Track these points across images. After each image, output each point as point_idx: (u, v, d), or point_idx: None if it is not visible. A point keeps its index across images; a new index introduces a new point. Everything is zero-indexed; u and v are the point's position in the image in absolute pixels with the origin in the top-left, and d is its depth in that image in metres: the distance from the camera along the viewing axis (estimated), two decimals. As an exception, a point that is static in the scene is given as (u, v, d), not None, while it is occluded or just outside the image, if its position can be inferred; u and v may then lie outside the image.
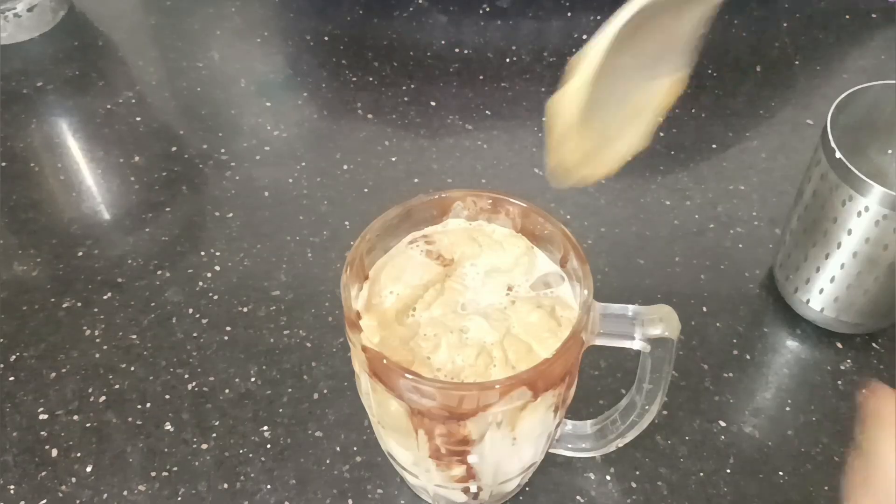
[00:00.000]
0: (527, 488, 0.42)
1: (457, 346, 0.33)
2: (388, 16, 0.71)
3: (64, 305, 0.50)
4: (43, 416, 0.45)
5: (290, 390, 0.46)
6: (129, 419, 0.44)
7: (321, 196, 0.56)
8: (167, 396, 0.45)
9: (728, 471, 0.42)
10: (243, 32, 0.71)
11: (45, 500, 0.41)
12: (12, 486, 0.42)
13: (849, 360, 0.47)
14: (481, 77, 0.65)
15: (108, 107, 0.63)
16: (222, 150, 0.60)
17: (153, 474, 0.42)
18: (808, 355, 0.48)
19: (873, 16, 0.70)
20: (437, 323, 0.34)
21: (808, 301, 0.47)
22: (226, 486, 0.42)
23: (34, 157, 0.60)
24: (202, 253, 0.53)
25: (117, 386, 0.46)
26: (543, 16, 0.70)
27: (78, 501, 0.41)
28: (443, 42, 0.68)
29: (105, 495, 0.41)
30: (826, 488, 0.42)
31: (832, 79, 0.65)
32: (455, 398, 0.30)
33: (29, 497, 0.41)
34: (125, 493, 0.41)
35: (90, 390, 0.46)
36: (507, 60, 0.66)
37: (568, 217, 0.54)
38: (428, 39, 0.69)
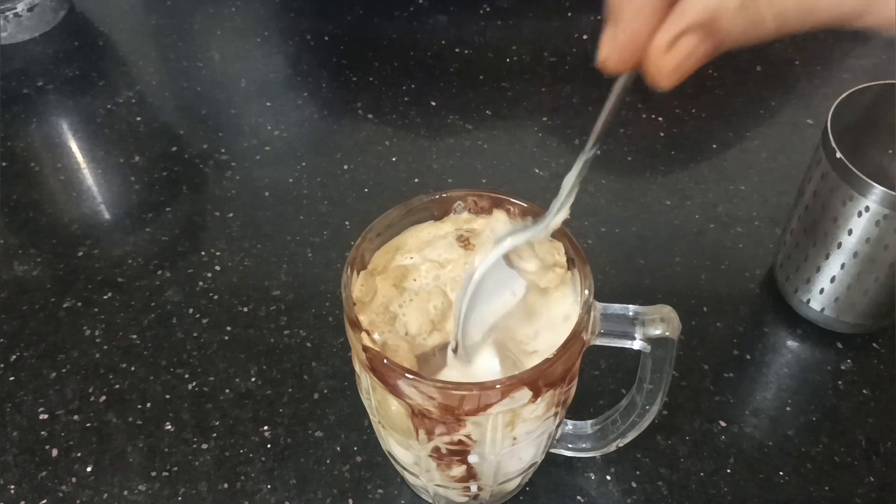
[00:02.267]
0: (527, 488, 0.42)
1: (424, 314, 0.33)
2: (388, 16, 0.71)
3: (64, 305, 0.50)
4: (43, 416, 0.45)
5: (290, 390, 0.46)
6: (129, 419, 0.44)
7: (321, 196, 0.56)
8: (167, 396, 0.45)
9: (728, 471, 0.42)
10: (243, 32, 0.71)
11: (45, 500, 0.41)
12: (12, 486, 0.42)
13: (849, 360, 0.47)
14: (481, 77, 0.65)
15: (109, 107, 0.63)
16: (223, 150, 0.60)
17: (153, 474, 0.42)
18: (809, 355, 0.48)
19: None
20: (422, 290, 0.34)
21: (808, 301, 0.47)
22: (226, 486, 0.42)
23: (34, 157, 0.60)
24: (202, 253, 0.53)
25: (117, 386, 0.46)
26: (543, 16, 0.70)
27: (78, 501, 0.41)
28: (443, 42, 0.68)
29: (105, 495, 0.41)
30: (826, 488, 0.42)
31: (832, 79, 0.65)
32: (455, 398, 0.30)
33: (29, 497, 0.41)
34: (125, 493, 0.41)
35: (90, 390, 0.46)
36: (507, 60, 0.66)
37: (568, 217, 0.54)
38: (428, 39, 0.69)
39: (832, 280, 0.45)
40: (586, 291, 0.32)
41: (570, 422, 0.40)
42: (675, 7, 0.20)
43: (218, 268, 0.52)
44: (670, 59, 0.21)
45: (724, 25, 0.20)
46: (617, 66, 0.22)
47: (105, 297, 0.50)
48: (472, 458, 0.34)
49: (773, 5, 0.20)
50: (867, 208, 0.41)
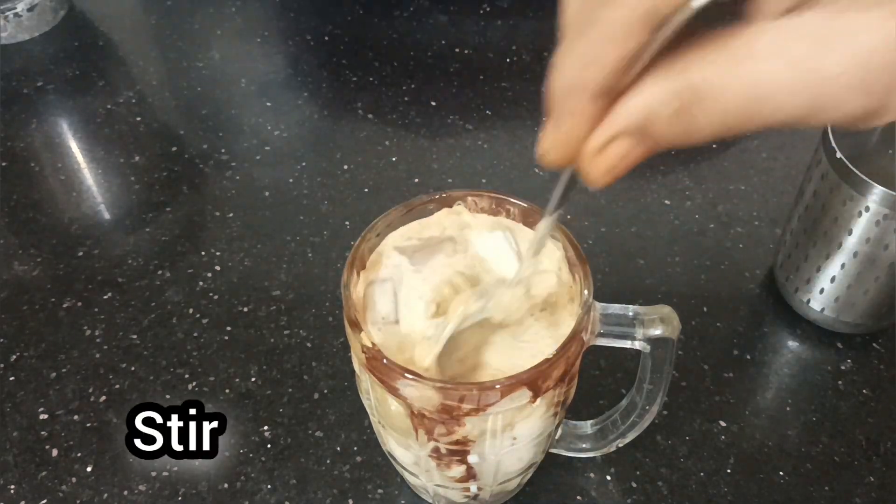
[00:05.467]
0: (527, 488, 0.42)
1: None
2: (388, 16, 0.71)
3: (64, 305, 0.50)
4: (43, 416, 0.45)
5: (290, 390, 0.46)
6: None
7: (321, 196, 0.56)
8: (167, 396, 0.45)
9: (728, 471, 0.42)
10: (243, 32, 0.71)
11: (45, 500, 0.41)
12: (12, 486, 0.42)
13: (849, 360, 0.47)
14: (481, 77, 0.65)
15: (109, 107, 0.63)
16: (222, 150, 0.60)
17: (153, 474, 0.42)
18: (809, 355, 0.48)
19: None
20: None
21: (808, 301, 0.47)
22: (226, 486, 0.42)
23: (34, 157, 0.60)
24: (202, 253, 0.53)
25: (117, 386, 0.46)
26: (543, 16, 0.70)
27: (78, 501, 0.41)
28: (443, 42, 0.68)
29: (105, 495, 0.41)
30: (826, 488, 0.42)
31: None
32: (455, 398, 0.30)
33: (29, 497, 0.41)
34: (125, 493, 0.41)
35: (90, 390, 0.46)
36: (507, 60, 0.66)
37: (568, 217, 0.54)
38: (428, 39, 0.69)
39: (832, 280, 0.45)
40: (586, 292, 0.32)
41: (570, 422, 0.40)
42: (611, 110, 0.20)
43: (218, 268, 0.52)
44: (602, 161, 0.21)
45: (657, 131, 0.20)
46: (554, 162, 0.22)
47: (105, 297, 0.50)
48: (471, 458, 0.34)
49: (709, 114, 0.19)
50: (867, 208, 0.41)
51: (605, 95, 0.20)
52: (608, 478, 0.42)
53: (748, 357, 0.47)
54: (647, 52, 0.19)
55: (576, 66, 0.20)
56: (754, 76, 0.18)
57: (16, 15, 0.67)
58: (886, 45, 0.17)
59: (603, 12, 0.18)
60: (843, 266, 0.44)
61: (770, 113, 0.19)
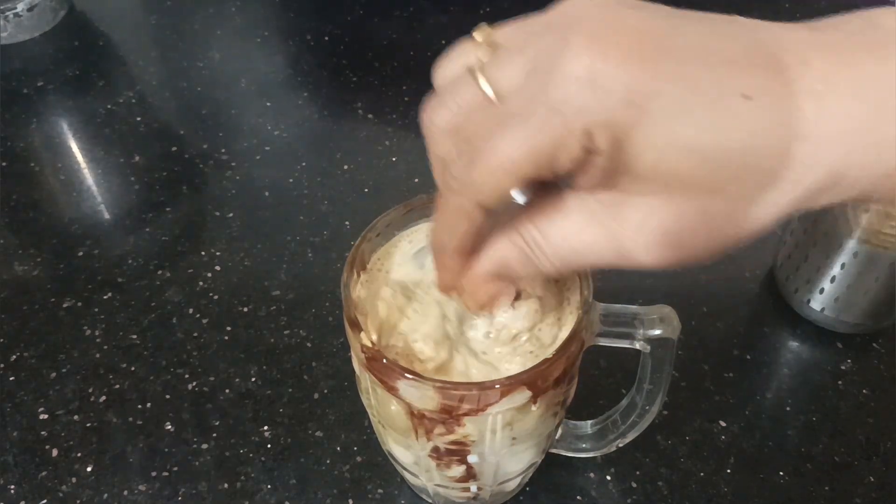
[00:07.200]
0: (527, 488, 0.42)
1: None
2: (388, 16, 0.71)
3: (64, 305, 0.50)
4: (43, 416, 0.45)
5: (290, 390, 0.46)
6: (129, 419, 0.44)
7: (321, 196, 0.56)
8: (167, 396, 0.45)
9: (728, 471, 0.42)
10: (243, 32, 0.71)
11: (45, 500, 0.41)
12: (12, 486, 0.42)
13: (849, 360, 0.47)
14: (481, 77, 0.65)
15: (109, 107, 0.63)
16: (222, 150, 0.60)
17: (153, 474, 0.42)
18: (809, 355, 0.48)
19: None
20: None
21: (808, 301, 0.47)
22: (226, 486, 0.42)
23: (34, 157, 0.60)
24: (202, 253, 0.53)
25: (117, 386, 0.46)
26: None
27: (78, 501, 0.41)
28: (443, 42, 0.68)
29: (105, 495, 0.41)
30: (826, 488, 0.42)
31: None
32: (455, 398, 0.30)
33: (29, 497, 0.41)
34: (125, 492, 0.41)
35: (90, 390, 0.46)
36: (508, 60, 0.66)
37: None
38: (428, 39, 0.69)
39: (832, 280, 0.45)
40: (586, 292, 0.32)
41: (570, 422, 0.40)
42: (474, 260, 0.26)
43: (218, 268, 0.52)
44: (476, 298, 0.27)
45: (514, 271, 0.25)
46: (445, 294, 0.28)
47: (105, 297, 0.50)
48: (471, 458, 0.34)
49: (546, 255, 0.24)
50: (867, 208, 0.41)
51: (464, 252, 0.26)
52: (608, 478, 0.42)
53: (748, 357, 0.47)
54: (497, 219, 0.24)
55: (438, 233, 0.26)
56: (564, 227, 0.24)
57: (16, 15, 0.67)
58: (677, 221, 0.22)
59: (450, 196, 0.24)
60: (843, 266, 0.44)
61: (588, 254, 0.24)
